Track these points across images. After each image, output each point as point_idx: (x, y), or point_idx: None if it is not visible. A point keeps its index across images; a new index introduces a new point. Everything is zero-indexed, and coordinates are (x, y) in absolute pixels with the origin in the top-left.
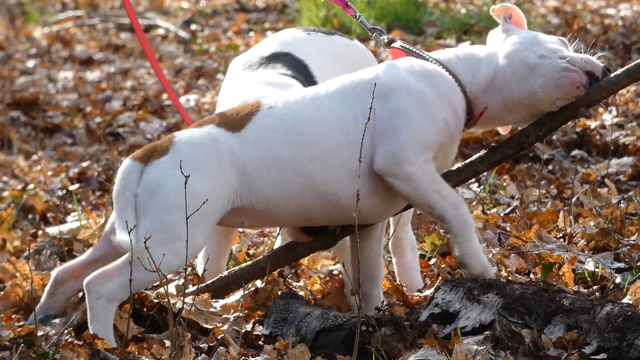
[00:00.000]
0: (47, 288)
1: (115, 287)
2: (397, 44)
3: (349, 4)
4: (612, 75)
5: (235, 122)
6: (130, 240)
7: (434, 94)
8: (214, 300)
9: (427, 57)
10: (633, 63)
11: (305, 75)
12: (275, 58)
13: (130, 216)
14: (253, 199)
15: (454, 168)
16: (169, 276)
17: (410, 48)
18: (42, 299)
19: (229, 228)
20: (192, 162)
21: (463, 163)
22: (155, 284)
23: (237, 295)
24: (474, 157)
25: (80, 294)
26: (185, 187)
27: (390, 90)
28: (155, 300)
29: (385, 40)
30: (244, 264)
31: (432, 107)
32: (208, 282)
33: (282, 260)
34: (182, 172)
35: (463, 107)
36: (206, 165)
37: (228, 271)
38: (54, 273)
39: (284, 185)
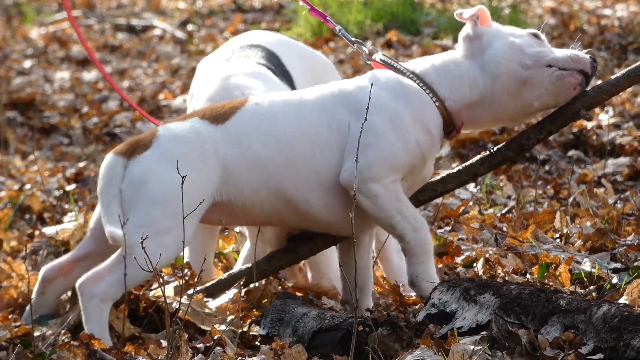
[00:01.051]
0: (35, 287)
1: (107, 286)
2: (377, 56)
3: (328, 17)
4: (612, 77)
5: (219, 115)
6: (124, 234)
7: (408, 113)
8: (207, 299)
9: (405, 71)
10: (633, 65)
11: (277, 66)
12: (248, 49)
13: (117, 211)
14: (231, 195)
15: (454, 170)
16: (165, 277)
17: (389, 61)
18: (32, 299)
19: (214, 226)
20: (175, 155)
21: (463, 165)
22: (154, 287)
23: (229, 293)
24: (474, 159)
25: (70, 292)
26: (179, 184)
27: (365, 108)
28: (152, 300)
29: (367, 52)
30: (243, 267)
31: (404, 127)
32: (207, 285)
33: (283, 262)
34: (167, 166)
35: (439, 126)
36: (189, 158)
37: (227, 274)
38: (41, 272)
39: (259, 185)
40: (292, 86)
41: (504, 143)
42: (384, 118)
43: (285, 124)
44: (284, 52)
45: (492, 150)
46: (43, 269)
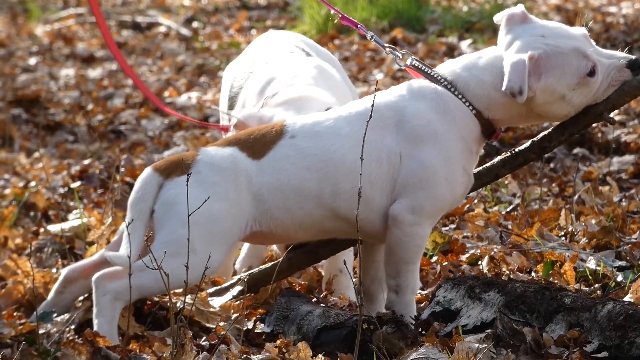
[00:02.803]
0: (55, 286)
1: (123, 286)
2: (409, 61)
3: (360, 25)
4: (635, 79)
5: (257, 148)
6: (129, 257)
7: (455, 137)
8: (211, 298)
9: (440, 79)
10: None
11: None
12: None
13: (141, 228)
14: (272, 227)
15: (474, 171)
16: None
17: (423, 68)
18: (50, 296)
19: None
20: (210, 183)
21: (484, 166)
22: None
23: (234, 291)
24: (495, 160)
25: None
26: (211, 210)
27: (419, 137)
28: (156, 299)
29: (400, 57)
30: (262, 266)
31: (455, 159)
32: (226, 285)
33: (303, 263)
34: (200, 192)
35: (479, 138)
36: (223, 187)
37: (247, 273)
38: (64, 271)
39: (303, 215)
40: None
41: (525, 144)
42: (436, 150)
43: (327, 159)
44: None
45: (513, 152)
46: (65, 269)
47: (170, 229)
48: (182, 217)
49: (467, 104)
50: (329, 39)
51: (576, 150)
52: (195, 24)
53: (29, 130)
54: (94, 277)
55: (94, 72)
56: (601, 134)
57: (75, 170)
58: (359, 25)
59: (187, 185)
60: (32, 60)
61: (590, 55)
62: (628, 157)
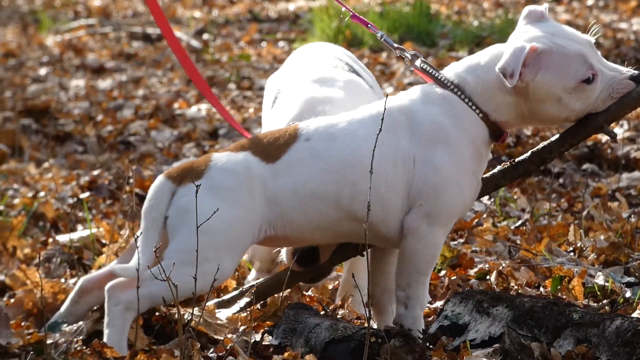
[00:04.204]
0: (71, 295)
1: (135, 296)
2: (418, 62)
3: (370, 24)
4: (634, 91)
5: (270, 152)
6: (138, 268)
7: (466, 141)
8: (218, 310)
9: (447, 83)
10: None
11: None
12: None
13: (153, 237)
14: (287, 230)
15: None
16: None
17: (430, 71)
18: (65, 306)
19: None
20: (223, 189)
21: (484, 176)
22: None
23: (241, 302)
24: (496, 170)
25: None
26: (225, 217)
27: (431, 141)
28: (163, 308)
29: (409, 58)
30: (262, 279)
31: (466, 163)
32: (226, 297)
33: (304, 275)
34: (214, 198)
35: (487, 142)
36: (237, 193)
37: (248, 285)
38: (80, 282)
39: (320, 217)
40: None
41: (525, 155)
42: (448, 154)
43: (342, 162)
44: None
45: (513, 162)
46: (81, 280)
47: (184, 237)
48: (194, 225)
49: (474, 107)
50: None
51: (585, 166)
52: (205, 36)
53: (38, 140)
54: (106, 287)
55: (104, 83)
56: (610, 150)
57: (85, 180)
58: (369, 25)
59: (196, 192)
60: (43, 71)
61: (592, 63)
62: (637, 173)
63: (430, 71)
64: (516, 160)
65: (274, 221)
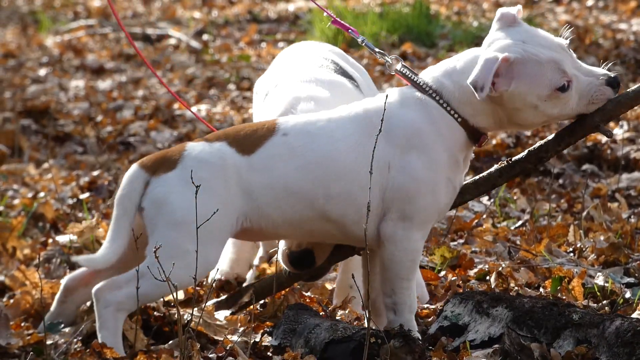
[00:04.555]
0: (57, 296)
1: (124, 297)
2: (398, 66)
3: (351, 29)
4: (630, 90)
5: (246, 144)
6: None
7: (441, 146)
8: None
9: (426, 87)
10: None
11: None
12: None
13: (124, 226)
14: (262, 223)
15: (471, 181)
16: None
17: (409, 75)
18: (53, 307)
19: None
20: (197, 179)
21: (480, 176)
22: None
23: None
24: (492, 169)
25: (89, 303)
26: (200, 207)
27: (405, 146)
28: (163, 308)
29: (390, 62)
30: (261, 279)
31: (440, 168)
32: (226, 296)
33: (303, 275)
34: (188, 189)
35: (464, 146)
36: (212, 183)
37: (245, 285)
38: (63, 281)
39: (294, 214)
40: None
41: (522, 154)
42: (421, 160)
43: (318, 162)
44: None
45: (510, 161)
46: (65, 279)
47: (162, 231)
48: (172, 218)
49: (453, 112)
50: None
51: (585, 167)
52: (205, 37)
53: (38, 141)
54: (93, 290)
55: (104, 84)
56: (610, 151)
57: (84, 181)
58: (350, 30)
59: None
60: (42, 71)
61: (566, 69)
62: (637, 174)
63: (409, 75)
64: (513, 159)
65: (249, 213)
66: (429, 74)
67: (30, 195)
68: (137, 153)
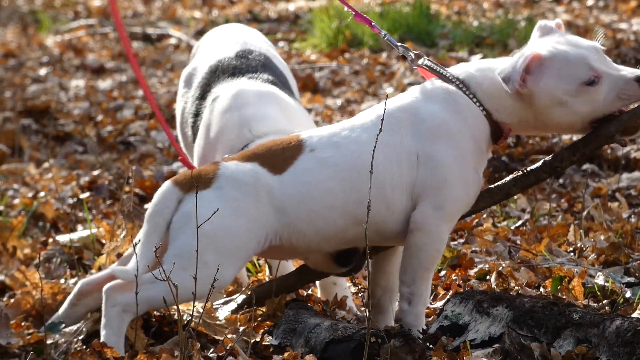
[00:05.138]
0: (70, 297)
1: (133, 298)
2: (423, 61)
3: (374, 23)
4: None
5: (277, 163)
6: (137, 272)
7: (468, 136)
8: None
9: (452, 78)
10: None
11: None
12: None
13: (154, 242)
14: (293, 239)
15: (486, 189)
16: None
17: (435, 68)
18: (63, 308)
19: None
20: (231, 199)
21: (495, 185)
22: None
23: (238, 299)
24: (507, 179)
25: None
26: (228, 225)
27: (433, 136)
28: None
29: (413, 57)
30: (270, 279)
31: (467, 157)
32: (233, 297)
33: (312, 276)
34: (220, 206)
35: (488, 138)
36: (243, 203)
37: (256, 286)
38: (79, 284)
39: (326, 225)
40: (292, 91)
41: (537, 164)
42: (451, 148)
43: (349, 168)
44: (273, 54)
45: (525, 171)
46: (80, 282)
47: (184, 240)
48: (198, 229)
49: (478, 104)
50: (340, 53)
51: (585, 166)
52: None
53: (38, 140)
54: (104, 288)
55: (104, 83)
56: (610, 151)
57: (85, 181)
58: (373, 23)
59: (196, 197)
60: (43, 71)
61: (595, 65)
62: (637, 174)
63: (436, 68)
64: (528, 169)
65: (280, 231)
66: (459, 68)
67: (30, 194)
68: (138, 153)
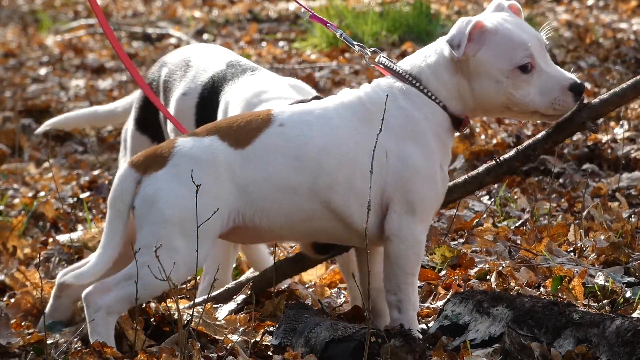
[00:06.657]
0: (52, 291)
1: (113, 300)
2: (378, 58)
3: (329, 23)
4: (618, 88)
5: (240, 137)
6: (104, 265)
7: (431, 133)
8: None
9: (406, 75)
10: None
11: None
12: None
13: (118, 228)
14: (256, 219)
15: (460, 180)
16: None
17: (391, 65)
18: (50, 302)
19: None
20: (188, 177)
21: (469, 175)
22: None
23: (238, 299)
24: (481, 168)
25: None
26: (190, 205)
27: (399, 135)
28: (161, 309)
29: (369, 55)
30: (250, 275)
31: (433, 154)
32: (214, 293)
33: (290, 271)
34: (178, 186)
35: (449, 131)
36: (202, 180)
37: (235, 282)
38: (58, 276)
39: (292, 208)
40: None
41: (510, 153)
42: (417, 148)
43: (319, 150)
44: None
45: (498, 160)
46: (60, 274)
47: (151, 229)
48: (161, 216)
49: (434, 97)
50: (340, 53)
51: (585, 166)
52: (205, 36)
53: (38, 140)
54: (83, 294)
55: (104, 83)
56: (611, 150)
57: (85, 180)
58: (328, 24)
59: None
60: (43, 71)
61: (533, 54)
62: (637, 174)
63: (389, 66)
64: (501, 158)
65: (243, 209)
66: (408, 62)
67: (30, 194)
68: None
